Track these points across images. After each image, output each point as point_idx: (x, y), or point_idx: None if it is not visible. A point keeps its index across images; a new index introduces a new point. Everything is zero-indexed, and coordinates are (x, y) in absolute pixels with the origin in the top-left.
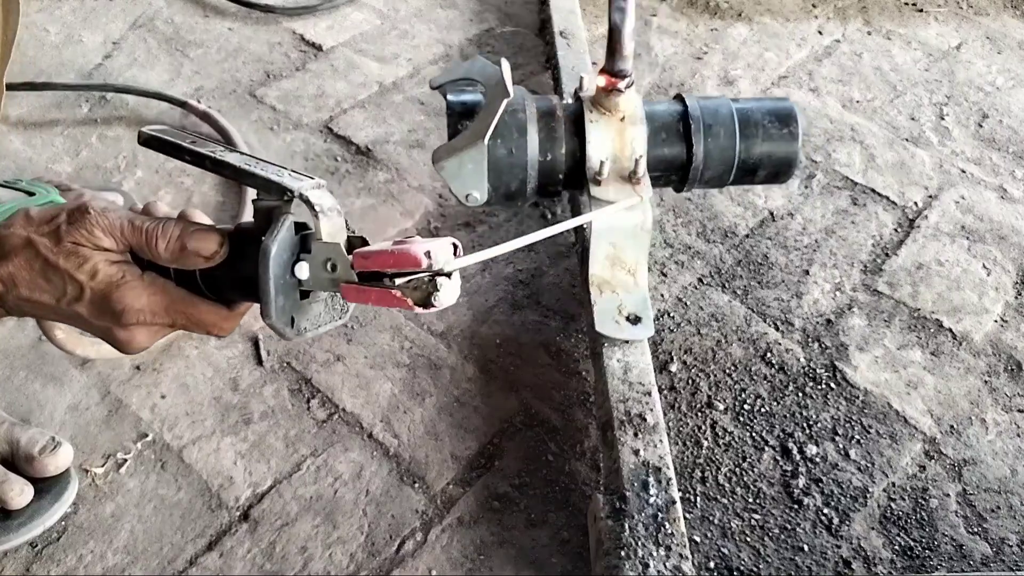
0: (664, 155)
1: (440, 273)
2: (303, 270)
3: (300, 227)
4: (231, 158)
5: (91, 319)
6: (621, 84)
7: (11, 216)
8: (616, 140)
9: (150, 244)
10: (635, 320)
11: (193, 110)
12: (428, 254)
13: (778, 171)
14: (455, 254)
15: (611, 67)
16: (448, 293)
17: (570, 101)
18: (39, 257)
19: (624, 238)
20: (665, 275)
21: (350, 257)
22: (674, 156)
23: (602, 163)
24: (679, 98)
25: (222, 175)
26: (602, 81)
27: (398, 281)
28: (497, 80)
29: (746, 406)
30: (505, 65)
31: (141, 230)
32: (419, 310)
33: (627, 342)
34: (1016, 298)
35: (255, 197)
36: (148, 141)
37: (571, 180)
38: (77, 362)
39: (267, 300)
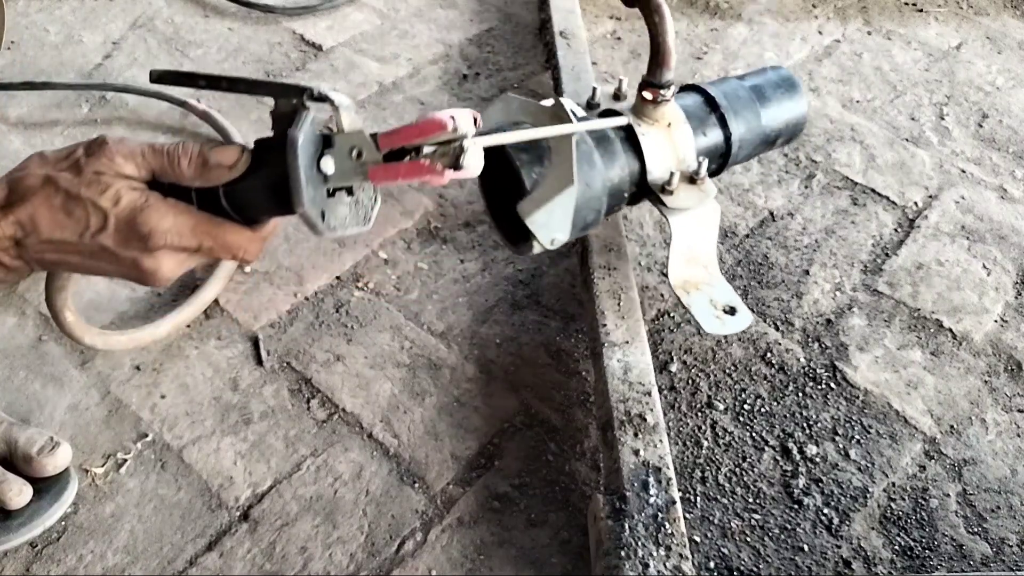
0: (708, 146)
1: (464, 138)
2: (328, 163)
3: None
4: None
5: (117, 249)
6: (668, 93)
7: (23, 162)
8: (670, 148)
9: (172, 164)
10: (732, 311)
11: (193, 109)
12: (453, 118)
13: (793, 133)
14: (475, 124)
15: (658, 79)
16: (474, 157)
17: (581, 111)
18: (60, 192)
19: (697, 236)
20: (665, 275)
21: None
22: (716, 145)
23: (672, 174)
24: (692, 88)
25: (238, 91)
26: (648, 95)
27: (425, 150)
28: (558, 118)
29: (746, 406)
30: (567, 102)
31: (162, 151)
32: (449, 173)
33: (627, 342)
34: (1016, 298)
35: (272, 108)
36: (161, 77)
37: (635, 196)
38: (77, 362)
39: (298, 188)
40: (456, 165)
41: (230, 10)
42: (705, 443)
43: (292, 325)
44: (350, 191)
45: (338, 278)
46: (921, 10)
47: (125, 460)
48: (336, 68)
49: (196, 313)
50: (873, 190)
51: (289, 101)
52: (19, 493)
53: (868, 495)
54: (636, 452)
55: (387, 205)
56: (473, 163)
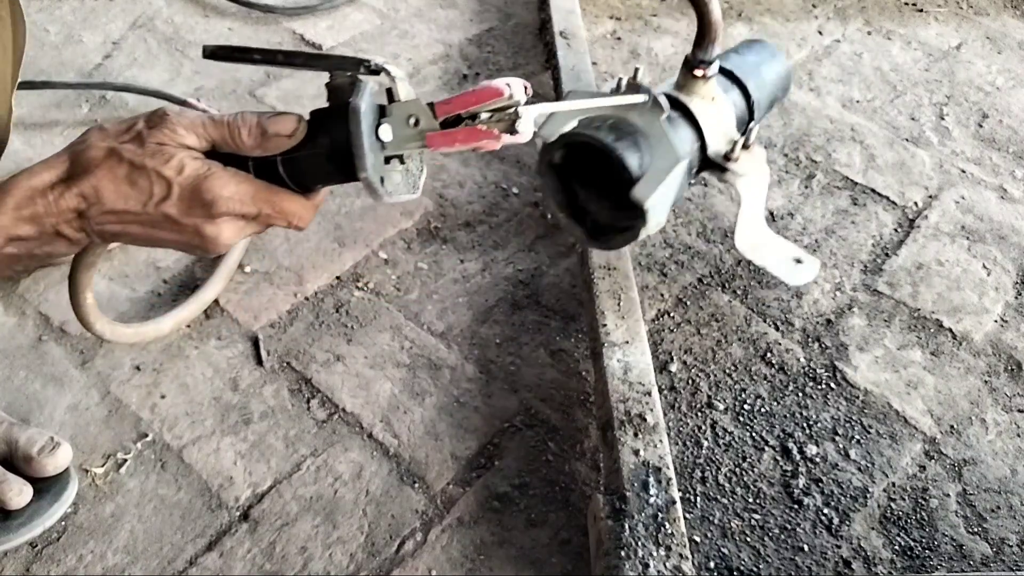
0: (739, 114)
1: (518, 104)
2: (386, 131)
3: None
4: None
5: (180, 217)
6: (716, 68)
7: (82, 135)
8: (719, 120)
9: (233, 134)
10: (799, 260)
11: (193, 108)
12: (508, 85)
13: (785, 90)
14: (526, 91)
15: (709, 55)
16: (527, 123)
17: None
18: (123, 162)
19: (758, 199)
20: (665, 275)
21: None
22: (743, 111)
23: (734, 143)
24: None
25: (294, 65)
26: (700, 72)
27: (482, 116)
28: (648, 102)
29: (746, 406)
30: (645, 86)
31: (222, 122)
32: (506, 138)
33: (627, 342)
34: (1016, 298)
35: (327, 80)
36: (214, 52)
37: (697, 171)
38: (77, 362)
39: (361, 155)
40: (511, 130)
41: (230, 10)
42: (705, 443)
43: (292, 325)
44: (401, 160)
45: (338, 278)
46: (921, 10)
47: (125, 460)
48: None
49: (199, 311)
50: (873, 190)
51: (344, 73)
52: (19, 493)
53: (868, 495)
54: (636, 452)
55: (387, 205)
56: (527, 128)
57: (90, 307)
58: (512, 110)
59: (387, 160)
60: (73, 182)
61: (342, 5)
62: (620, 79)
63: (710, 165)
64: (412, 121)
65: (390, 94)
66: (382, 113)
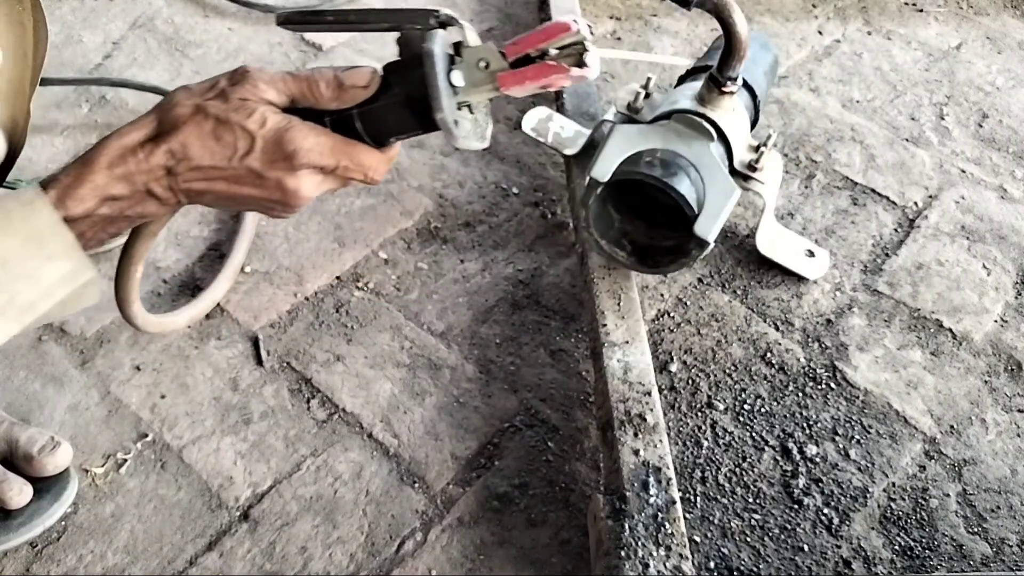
0: (750, 117)
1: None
2: (458, 76)
3: None
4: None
5: (263, 170)
6: (739, 84)
7: (167, 96)
8: (740, 130)
9: (311, 87)
10: (811, 253)
11: None
12: (575, 21)
13: (776, 75)
14: (589, 30)
15: (733, 72)
16: (595, 57)
17: (611, 118)
18: (209, 118)
19: (774, 201)
20: (665, 275)
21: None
22: (751, 112)
23: (759, 151)
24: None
25: (366, 23)
26: (729, 88)
27: (551, 53)
28: (700, 149)
29: (746, 406)
30: (699, 129)
31: (300, 77)
32: (576, 71)
33: (627, 342)
34: (1016, 298)
35: (397, 36)
36: (288, 19)
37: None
38: (77, 362)
39: (437, 95)
40: (580, 63)
41: (230, 10)
42: (705, 443)
43: (292, 325)
44: (471, 109)
45: (338, 278)
46: (921, 10)
47: (125, 460)
48: None
49: (212, 306)
50: (873, 190)
51: (415, 27)
52: (20, 492)
53: (868, 495)
54: (636, 452)
55: (387, 205)
56: (594, 62)
57: (135, 284)
58: (580, 44)
59: (459, 107)
60: (161, 139)
61: (341, 5)
62: (638, 92)
63: (735, 174)
64: (483, 64)
65: (457, 48)
66: (452, 60)
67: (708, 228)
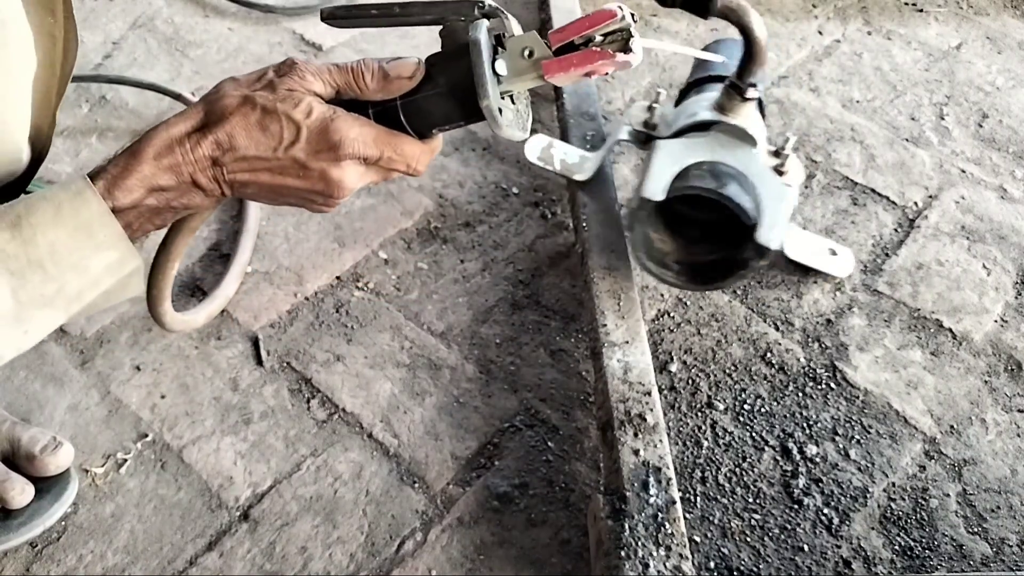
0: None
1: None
2: (502, 65)
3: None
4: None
5: (308, 160)
6: (760, 91)
7: (215, 87)
8: (763, 133)
9: (357, 78)
10: (834, 252)
11: (186, 102)
12: (620, 8)
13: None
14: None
15: (758, 78)
16: (639, 43)
17: (626, 137)
18: (256, 108)
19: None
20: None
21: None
22: (759, 112)
23: (782, 154)
24: (716, 78)
25: (410, 16)
26: (751, 94)
27: (596, 39)
28: (746, 157)
29: (746, 406)
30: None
31: (346, 69)
32: (621, 56)
33: (627, 342)
34: (1016, 298)
35: (440, 28)
36: (332, 14)
37: None
38: (77, 362)
39: (483, 83)
40: (625, 49)
41: (230, 10)
42: (705, 443)
43: (292, 325)
44: (512, 99)
45: (338, 278)
46: (921, 10)
47: (125, 460)
48: None
49: (224, 304)
50: (873, 190)
51: (458, 18)
52: (21, 492)
53: (868, 495)
54: (636, 452)
55: (387, 205)
56: (639, 48)
57: (170, 281)
58: (625, 30)
59: (501, 96)
60: (208, 130)
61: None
62: (651, 108)
63: None
64: (527, 52)
65: (499, 39)
66: (496, 50)
67: (770, 236)
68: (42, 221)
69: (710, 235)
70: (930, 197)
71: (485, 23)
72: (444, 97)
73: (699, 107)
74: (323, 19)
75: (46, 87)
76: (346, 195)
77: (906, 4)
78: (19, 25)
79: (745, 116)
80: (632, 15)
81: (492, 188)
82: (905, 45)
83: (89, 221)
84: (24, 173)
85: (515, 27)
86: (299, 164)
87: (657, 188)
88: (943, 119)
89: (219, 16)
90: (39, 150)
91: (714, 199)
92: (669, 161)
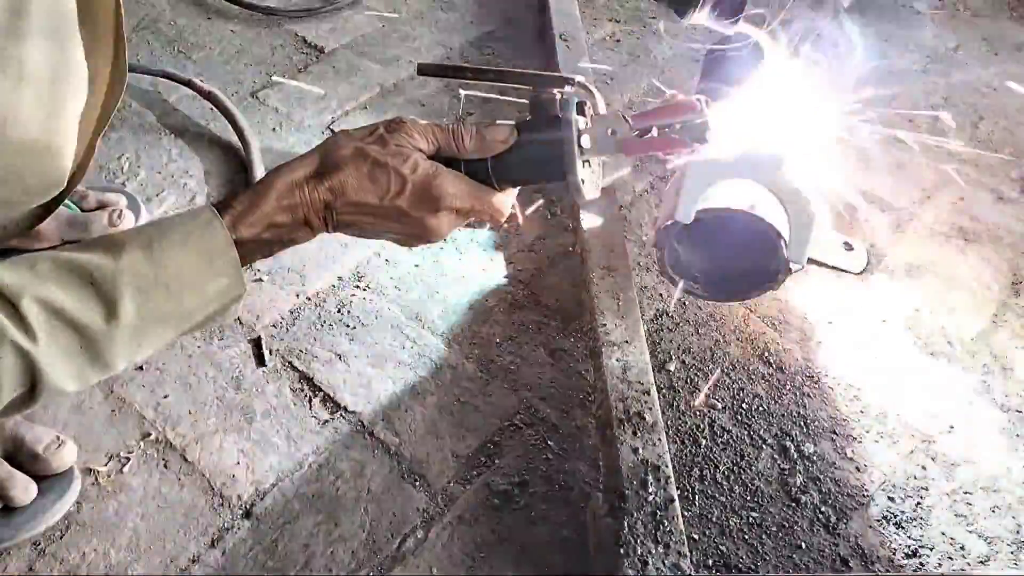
0: None
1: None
2: (587, 140)
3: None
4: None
5: (410, 210)
6: None
7: (330, 138)
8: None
9: (457, 140)
10: (849, 247)
11: (198, 89)
12: (699, 100)
13: None
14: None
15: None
16: (715, 134)
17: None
18: (368, 160)
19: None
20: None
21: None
22: None
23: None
24: None
25: (505, 83)
26: None
27: (676, 126)
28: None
29: (744, 405)
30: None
31: (448, 129)
32: (696, 144)
33: (627, 342)
34: (1010, 298)
35: (532, 94)
36: (426, 69)
37: None
38: None
39: (572, 160)
40: (701, 139)
41: (233, 12)
42: (703, 441)
43: (294, 325)
44: (588, 162)
45: (340, 278)
46: (919, 12)
47: (128, 459)
48: (338, 70)
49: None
50: (870, 190)
51: (550, 89)
52: (25, 490)
53: (865, 493)
54: (635, 450)
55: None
56: (715, 139)
57: None
58: (703, 121)
59: (583, 164)
60: (324, 177)
61: (344, 8)
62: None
63: None
64: (610, 132)
65: (580, 107)
66: (582, 125)
67: (800, 254)
68: (173, 245)
69: (737, 250)
70: (927, 198)
71: (575, 101)
72: (532, 163)
73: None
74: (419, 73)
75: (90, 120)
76: (441, 238)
77: (903, 6)
78: (80, 66)
79: None
80: (707, 100)
81: None
82: (902, 47)
83: (213, 249)
84: (60, 194)
85: (601, 104)
86: (401, 212)
87: (689, 211)
88: (939, 120)
89: (222, 18)
90: (76, 176)
91: (744, 219)
92: (698, 183)
